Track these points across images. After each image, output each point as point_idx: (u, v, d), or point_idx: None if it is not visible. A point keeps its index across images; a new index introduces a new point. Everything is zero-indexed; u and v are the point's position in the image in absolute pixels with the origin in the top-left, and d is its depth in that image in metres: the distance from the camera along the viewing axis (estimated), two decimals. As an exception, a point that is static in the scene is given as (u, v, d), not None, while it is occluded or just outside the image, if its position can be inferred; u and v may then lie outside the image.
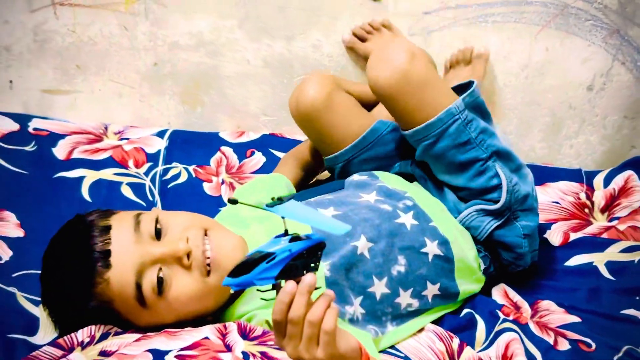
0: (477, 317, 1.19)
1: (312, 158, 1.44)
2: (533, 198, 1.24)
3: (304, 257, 0.80)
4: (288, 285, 0.78)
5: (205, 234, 1.06)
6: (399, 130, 1.30)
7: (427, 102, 1.16)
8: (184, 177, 1.50)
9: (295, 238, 0.81)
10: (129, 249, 1.01)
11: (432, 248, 1.15)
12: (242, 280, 0.77)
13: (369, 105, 1.40)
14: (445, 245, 1.16)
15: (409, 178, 1.30)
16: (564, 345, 1.15)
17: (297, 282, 0.79)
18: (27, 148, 1.49)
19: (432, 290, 1.15)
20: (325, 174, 1.51)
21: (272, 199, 0.79)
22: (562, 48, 1.58)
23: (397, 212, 1.17)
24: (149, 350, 0.94)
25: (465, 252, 1.19)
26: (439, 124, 1.17)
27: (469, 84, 1.21)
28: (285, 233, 0.81)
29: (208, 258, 1.04)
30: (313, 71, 1.60)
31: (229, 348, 0.96)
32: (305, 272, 0.80)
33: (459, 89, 1.21)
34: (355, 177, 1.27)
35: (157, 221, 1.05)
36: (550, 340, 1.15)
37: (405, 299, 1.13)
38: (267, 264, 0.77)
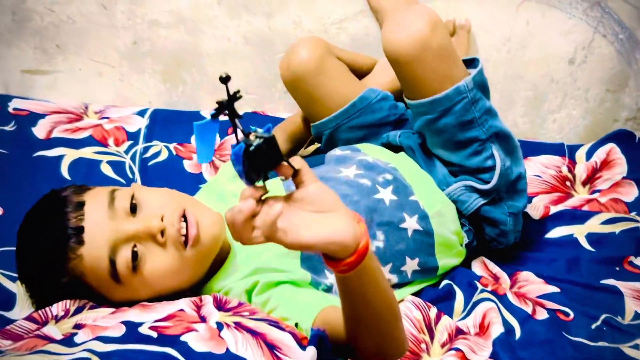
0: (456, 288, 1.19)
1: (300, 129, 1.44)
2: (524, 181, 1.24)
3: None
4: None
5: (183, 212, 1.05)
6: (388, 99, 1.30)
7: (438, 75, 1.15)
8: (164, 155, 1.49)
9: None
10: (102, 226, 1.00)
11: (411, 223, 1.15)
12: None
13: (358, 75, 1.40)
14: (425, 220, 1.16)
15: (396, 149, 1.30)
16: (542, 315, 1.15)
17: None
18: (7, 128, 1.49)
19: (411, 265, 1.15)
20: (309, 151, 1.51)
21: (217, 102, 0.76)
22: (543, 21, 1.57)
23: (376, 187, 1.16)
24: (123, 322, 0.93)
25: (447, 225, 1.19)
26: (446, 101, 1.16)
27: (474, 60, 1.20)
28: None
29: (184, 236, 1.02)
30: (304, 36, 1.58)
31: (203, 319, 0.95)
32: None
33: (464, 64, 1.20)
34: (337, 151, 1.27)
35: (132, 197, 1.04)
36: (529, 310, 1.15)
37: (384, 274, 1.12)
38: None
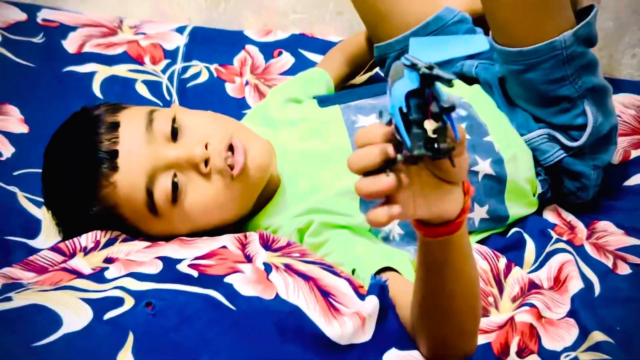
0: (526, 236, 1.07)
1: (361, 51, 1.30)
2: (615, 132, 1.11)
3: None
4: None
5: (230, 140, 0.93)
6: (466, 22, 1.15)
7: (535, 21, 1.00)
8: (204, 77, 1.38)
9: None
10: (139, 150, 0.89)
11: (483, 167, 1.02)
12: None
13: None
14: (499, 164, 1.03)
15: (471, 81, 1.16)
16: (624, 269, 1.03)
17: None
18: (35, 40, 1.38)
19: (479, 212, 1.03)
20: (364, 78, 1.37)
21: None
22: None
23: None
24: (159, 258, 0.84)
25: (521, 172, 1.07)
26: (534, 55, 1.02)
27: (590, 7, 1.04)
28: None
29: (230, 166, 0.92)
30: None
31: (249, 259, 0.85)
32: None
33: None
34: None
35: (173, 120, 0.92)
36: (609, 264, 1.04)
37: None
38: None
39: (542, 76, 1.03)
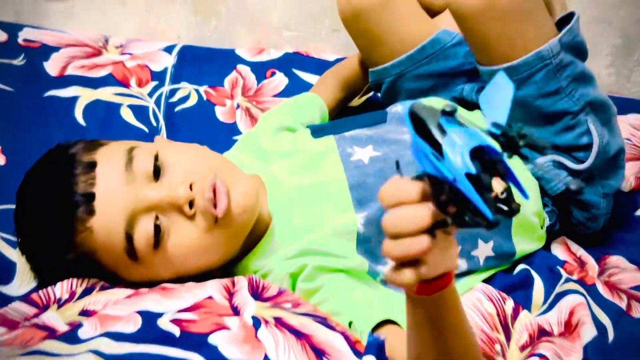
0: (534, 274, 1.01)
1: (356, 75, 1.25)
2: (623, 155, 1.06)
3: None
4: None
5: (214, 179, 0.87)
6: (465, 44, 1.09)
7: (516, 35, 0.97)
8: (193, 100, 1.32)
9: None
10: (117, 192, 0.83)
11: None
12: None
13: (431, 13, 1.20)
14: None
15: (471, 106, 1.11)
16: (639, 311, 0.97)
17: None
18: (15, 62, 1.32)
19: (484, 250, 0.97)
20: (361, 102, 1.32)
21: None
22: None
23: None
24: (139, 312, 0.77)
25: (528, 205, 1.01)
26: (524, 68, 0.98)
27: (570, 16, 1.01)
28: None
29: (215, 206, 0.86)
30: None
31: (236, 311, 0.79)
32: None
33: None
34: (400, 107, 1.07)
35: (156, 158, 0.87)
36: (623, 305, 0.98)
37: None
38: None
39: (536, 90, 0.99)
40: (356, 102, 1.30)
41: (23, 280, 0.92)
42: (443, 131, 0.52)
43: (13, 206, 0.94)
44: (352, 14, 1.10)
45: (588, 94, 1.00)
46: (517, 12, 0.96)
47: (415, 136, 0.54)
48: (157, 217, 0.84)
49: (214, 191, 0.86)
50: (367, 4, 1.08)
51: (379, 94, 1.27)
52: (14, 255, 0.95)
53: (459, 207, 0.53)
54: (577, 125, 1.01)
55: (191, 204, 0.85)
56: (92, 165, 0.84)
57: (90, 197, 0.83)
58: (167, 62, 1.38)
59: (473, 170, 0.51)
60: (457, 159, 0.51)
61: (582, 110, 1.00)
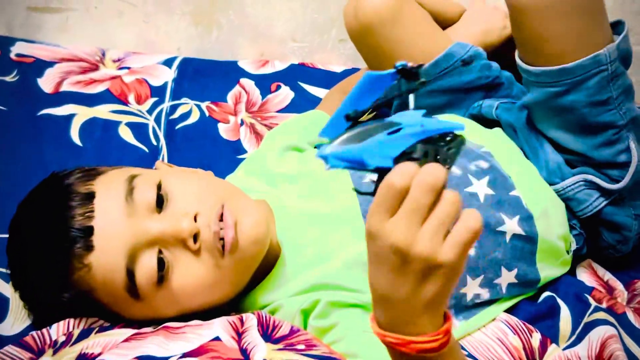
0: (560, 302, 0.96)
1: None
2: None
3: (434, 144, 0.56)
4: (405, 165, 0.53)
5: (221, 209, 0.83)
6: (480, 57, 1.05)
7: (574, 33, 0.91)
8: (195, 116, 1.26)
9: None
10: (117, 225, 0.79)
11: (511, 226, 0.90)
12: (348, 153, 0.54)
13: (442, 26, 1.14)
14: (528, 222, 0.92)
15: (489, 123, 1.05)
16: (673, 343, 0.92)
17: None
18: (8, 78, 1.27)
19: (507, 277, 0.92)
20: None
21: None
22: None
23: (468, 178, 0.92)
24: (140, 358, 0.72)
25: (554, 229, 0.96)
26: (579, 71, 0.92)
27: (618, 23, 0.96)
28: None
29: (222, 239, 0.81)
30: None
31: (245, 354, 0.73)
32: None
33: None
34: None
35: (159, 187, 0.82)
36: (655, 335, 0.92)
37: (473, 288, 0.89)
38: (387, 135, 0.55)
39: (586, 97, 0.94)
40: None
41: (17, 318, 0.88)
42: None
43: (5, 235, 0.89)
44: (360, 28, 1.04)
45: (633, 109, 0.96)
46: (585, 6, 0.92)
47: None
48: (160, 252, 0.80)
49: (221, 221, 0.81)
50: (375, 20, 1.02)
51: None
52: (8, 289, 0.90)
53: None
54: (618, 141, 0.96)
55: (196, 237, 0.80)
56: (90, 197, 0.79)
57: (89, 231, 0.78)
58: (167, 76, 1.32)
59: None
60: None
61: (626, 126, 0.95)
